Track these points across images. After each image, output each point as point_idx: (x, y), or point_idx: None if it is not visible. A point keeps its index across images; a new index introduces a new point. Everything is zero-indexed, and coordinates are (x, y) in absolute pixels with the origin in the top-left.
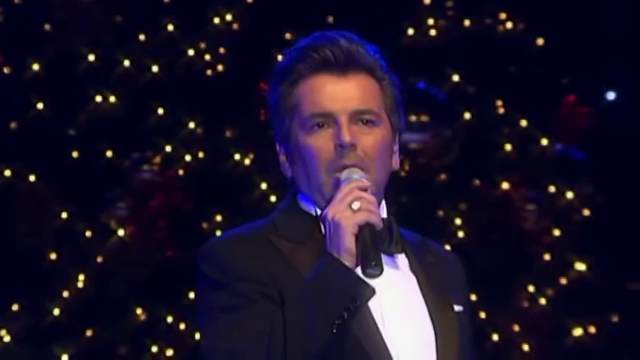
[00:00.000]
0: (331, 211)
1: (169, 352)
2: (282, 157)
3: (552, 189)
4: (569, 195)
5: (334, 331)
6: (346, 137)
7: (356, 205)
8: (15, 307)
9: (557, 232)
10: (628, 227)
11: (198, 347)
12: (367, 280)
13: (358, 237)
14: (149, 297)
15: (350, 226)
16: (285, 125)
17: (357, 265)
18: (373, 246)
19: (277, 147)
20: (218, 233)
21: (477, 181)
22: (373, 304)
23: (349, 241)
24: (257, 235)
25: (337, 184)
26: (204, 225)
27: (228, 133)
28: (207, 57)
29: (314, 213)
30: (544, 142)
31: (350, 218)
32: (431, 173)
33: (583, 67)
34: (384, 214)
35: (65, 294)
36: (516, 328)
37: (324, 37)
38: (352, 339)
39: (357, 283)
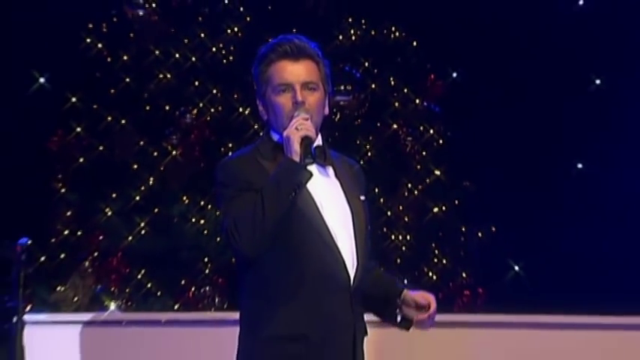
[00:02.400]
0: (286, 132)
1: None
2: (260, 108)
3: (421, 128)
4: (431, 131)
5: (290, 198)
6: (299, 97)
7: (300, 127)
8: (114, 195)
9: (424, 153)
10: (464, 149)
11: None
12: (307, 168)
13: (301, 144)
14: (190, 190)
15: (296, 138)
16: (262, 89)
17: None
18: (309, 148)
19: (257, 101)
20: (229, 154)
21: (378, 124)
22: (315, 196)
23: (296, 147)
24: (249, 156)
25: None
26: (222, 149)
27: (235, 95)
28: (224, 52)
29: (279, 141)
30: (417, 101)
31: (296, 134)
32: (352, 119)
33: (439, 58)
34: (320, 142)
35: (142, 188)
36: (400, 207)
37: (285, 39)
38: (303, 217)
39: (301, 169)
